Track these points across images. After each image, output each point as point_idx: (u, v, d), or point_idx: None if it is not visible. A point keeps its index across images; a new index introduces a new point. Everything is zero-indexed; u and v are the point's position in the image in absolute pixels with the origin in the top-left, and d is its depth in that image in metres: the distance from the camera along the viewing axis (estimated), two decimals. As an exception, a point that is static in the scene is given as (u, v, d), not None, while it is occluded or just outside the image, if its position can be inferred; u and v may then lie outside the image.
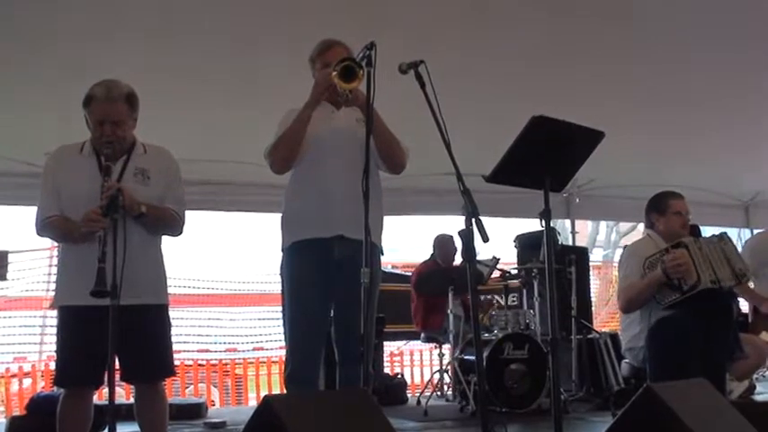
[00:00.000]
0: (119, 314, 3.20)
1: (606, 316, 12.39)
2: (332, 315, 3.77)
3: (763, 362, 5.61)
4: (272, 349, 10.40)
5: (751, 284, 5.57)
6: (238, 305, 12.11)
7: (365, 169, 3.34)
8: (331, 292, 3.68)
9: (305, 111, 3.67)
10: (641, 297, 4.61)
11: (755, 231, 8.66)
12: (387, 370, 8.98)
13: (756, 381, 7.49)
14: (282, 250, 3.83)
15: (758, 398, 5.18)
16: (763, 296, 5.52)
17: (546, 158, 3.52)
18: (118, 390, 3.86)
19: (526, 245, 7.97)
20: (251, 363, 10.60)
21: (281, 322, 3.85)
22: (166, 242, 3.86)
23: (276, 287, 3.94)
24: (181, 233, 3.87)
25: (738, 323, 5.20)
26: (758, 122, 7.88)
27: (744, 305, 6.12)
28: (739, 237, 9.72)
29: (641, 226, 5.20)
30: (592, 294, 9.14)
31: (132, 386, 3.94)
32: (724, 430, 2.71)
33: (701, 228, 7.10)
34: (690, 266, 4.37)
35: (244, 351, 11.20)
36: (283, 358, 3.92)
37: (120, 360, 3.43)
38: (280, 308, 3.86)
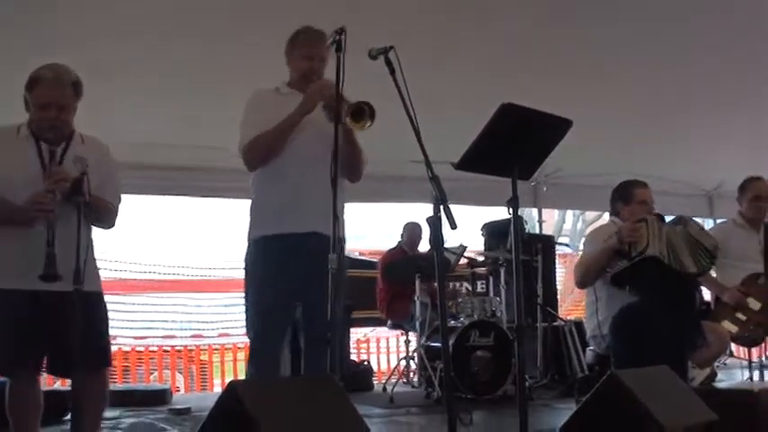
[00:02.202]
0: (56, 300, 3.17)
1: (571, 304, 12.50)
2: (299, 303, 3.80)
3: (724, 350, 5.68)
4: (237, 335, 10.36)
5: (713, 273, 5.63)
6: (204, 291, 12.05)
7: (334, 155, 3.36)
8: (299, 282, 3.71)
9: (294, 118, 3.69)
10: (595, 265, 4.63)
11: (718, 221, 8.76)
12: (353, 357, 8.98)
13: (717, 368, 7.60)
14: (252, 240, 3.84)
15: (719, 385, 5.24)
16: (725, 286, 5.58)
17: (514, 146, 3.53)
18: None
19: (493, 233, 8.01)
20: (216, 349, 10.56)
21: (243, 309, 3.88)
22: (131, 227, 3.82)
23: (242, 273, 3.95)
24: (113, 226, 3.79)
25: (701, 312, 5.27)
26: (722, 114, 7.99)
27: (706, 294, 6.20)
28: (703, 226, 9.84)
29: (607, 215, 5.24)
30: (557, 283, 9.23)
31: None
32: (686, 416, 2.74)
33: (666, 217, 7.18)
34: (643, 234, 4.41)
35: (209, 337, 11.15)
36: (248, 344, 3.94)
37: (57, 348, 3.38)
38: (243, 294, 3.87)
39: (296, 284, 3.72)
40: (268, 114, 3.73)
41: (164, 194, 7.93)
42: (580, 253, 5.82)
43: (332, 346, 3.19)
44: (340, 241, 3.44)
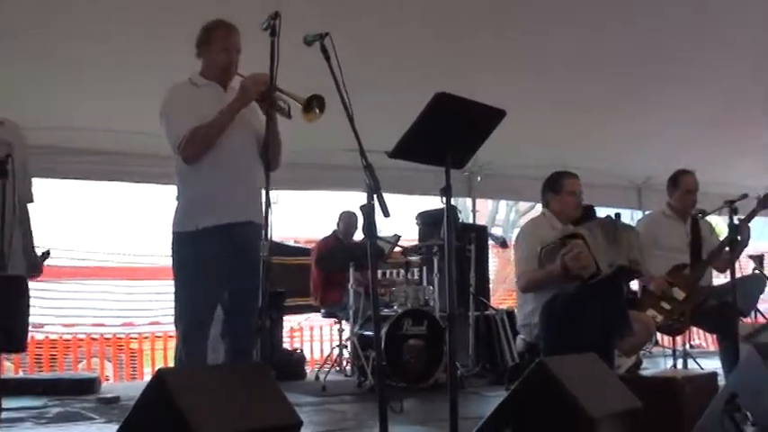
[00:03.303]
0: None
1: (504, 293, 12.64)
2: (229, 291, 3.82)
3: (649, 338, 5.80)
4: (169, 323, 10.21)
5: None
6: (136, 278, 11.87)
7: (265, 143, 3.37)
8: (229, 271, 3.74)
9: (232, 111, 3.73)
10: (542, 286, 4.71)
11: (646, 212, 8.95)
12: (286, 345, 8.93)
13: (643, 356, 7.78)
14: (179, 231, 3.85)
15: (644, 372, 5.37)
16: (652, 275, 5.70)
17: (448, 135, 3.54)
18: (6, 364, 3.74)
19: (428, 222, 8.05)
20: (147, 337, 10.41)
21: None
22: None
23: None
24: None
25: (628, 301, 5.37)
26: (652, 110, 8.16)
27: (634, 283, 6.33)
28: (632, 217, 10.04)
29: (540, 206, 5.30)
30: (490, 272, 9.32)
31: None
32: (611, 402, 2.80)
33: (596, 208, 7.31)
34: (588, 258, 4.46)
35: (140, 325, 10.99)
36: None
37: None
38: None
39: (226, 273, 3.74)
40: (193, 108, 3.76)
41: (95, 180, 7.78)
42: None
43: (262, 333, 3.18)
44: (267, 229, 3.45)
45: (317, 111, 3.66)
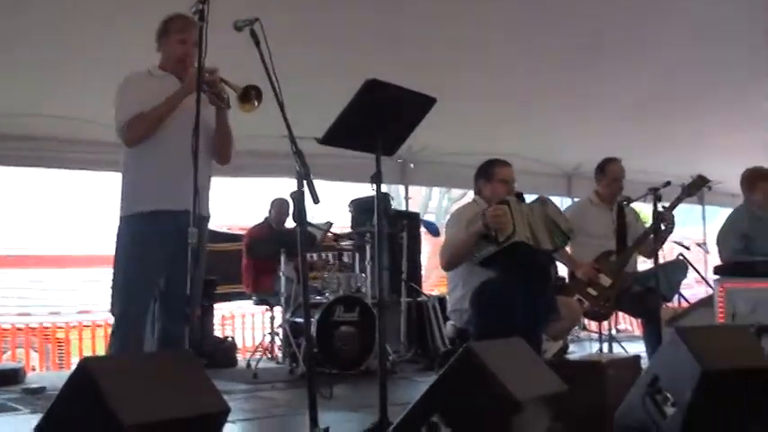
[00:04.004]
0: None
1: (436, 280, 12.74)
2: (165, 279, 3.86)
3: (576, 323, 5.93)
4: (98, 312, 10.05)
5: (569, 250, 5.86)
6: (64, 267, 11.63)
7: (195, 127, 3.35)
8: (167, 259, 3.77)
9: (176, 98, 3.79)
10: (461, 250, 4.70)
11: (575, 199, 9.12)
12: (218, 333, 8.86)
13: (570, 341, 7.94)
14: (123, 217, 3.89)
15: (570, 356, 5.48)
16: (580, 262, 5.81)
17: (378, 122, 3.56)
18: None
19: (360, 209, 8.05)
20: (74, 326, 10.20)
21: (108, 285, 3.86)
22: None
23: (105, 250, 3.91)
24: None
25: (555, 286, 5.47)
26: (582, 99, 8.30)
27: (561, 269, 6.45)
28: (561, 204, 10.21)
29: (471, 193, 5.35)
30: (423, 259, 9.37)
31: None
32: (536, 386, 2.85)
33: (527, 195, 7.41)
34: (508, 219, 4.50)
35: (68, 314, 10.78)
36: (110, 321, 3.90)
37: None
38: (108, 270, 3.85)
39: (165, 259, 3.78)
40: (144, 95, 3.83)
41: (19, 166, 7.60)
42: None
43: (191, 321, 3.17)
44: (204, 218, 3.44)
45: (255, 102, 3.66)
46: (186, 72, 3.85)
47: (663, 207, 5.60)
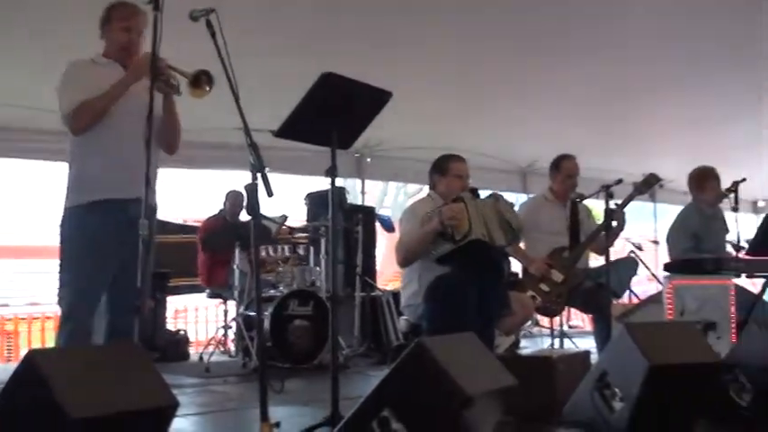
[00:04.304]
0: None
1: (391, 275, 12.74)
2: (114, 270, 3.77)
3: (528, 318, 5.97)
4: (48, 304, 9.89)
5: (522, 245, 5.91)
6: (12, 258, 11.43)
7: (148, 116, 3.31)
8: (116, 249, 3.69)
9: (122, 85, 3.72)
10: (418, 247, 4.70)
11: (530, 195, 9.20)
12: (170, 326, 8.78)
13: (523, 336, 8.02)
14: (70, 207, 3.80)
15: (522, 351, 5.53)
16: (532, 257, 5.86)
17: (334, 116, 3.55)
18: None
19: (316, 203, 8.04)
20: (23, 318, 10.04)
21: (57, 276, 3.77)
22: None
23: (55, 240, 3.84)
24: None
25: (508, 282, 5.51)
26: (538, 96, 8.36)
27: (514, 265, 6.50)
28: (516, 201, 10.30)
29: (427, 188, 5.36)
30: (378, 253, 9.38)
31: None
32: (487, 381, 2.87)
33: (481, 191, 7.45)
34: (464, 217, 4.53)
35: (17, 306, 10.60)
36: (59, 313, 3.83)
37: None
38: (57, 261, 3.78)
39: (113, 251, 3.70)
40: (89, 83, 3.75)
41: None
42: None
43: (141, 314, 3.13)
44: (153, 208, 3.40)
45: (207, 87, 3.63)
46: (130, 60, 3.79)
47: (615, 204, 5.67)
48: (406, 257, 4.81)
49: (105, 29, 3.91)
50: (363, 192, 9.75)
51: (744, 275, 5.70)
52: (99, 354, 2.63)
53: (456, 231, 4.50)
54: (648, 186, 5.90)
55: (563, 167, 6.09)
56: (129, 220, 3.56)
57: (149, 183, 3.27)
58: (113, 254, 3.70)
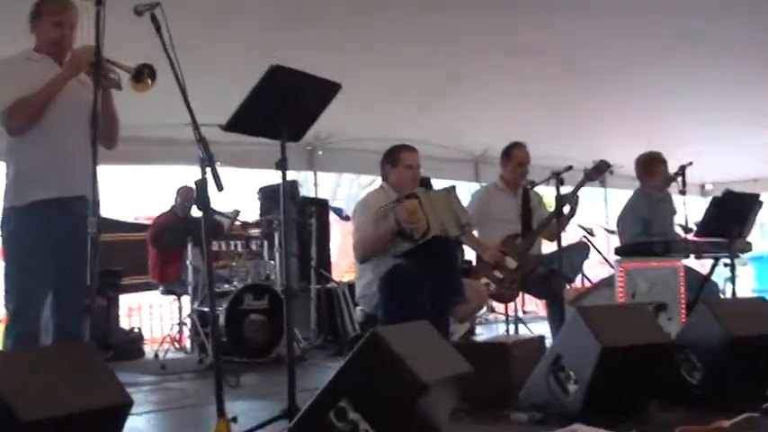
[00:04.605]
0: None
1: (346, 266, 12.73)
2: (58, 270, 3.70)
3: (482, 306, 6.02)
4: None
5: (476, 233, 5.94)
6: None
7: (93, 116, 3.26)
8: (62, 248, 3.63)
9: (59, 82, 3.65)
10: (376, 247, 4.75)
11: (482, 184, 9.25)
12: (124, 324, 8.67)
13: (479, 323, 8.08)
14: (10, 207, 3.73)
15: (478, 338, 5.58)
16: (486, 245, 5.90)
17: (283, 108, 3.54)
18: None
19: (268, 196, 8.00)
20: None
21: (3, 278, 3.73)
22: None
23: None
24: None
25: (462, 269, 5.55)
26: (489, 85, 8.41)
27: (468, 253, 6.55)
28: (469, 190, 10.35)
29: (380, 179, 5.37)
30: (333, 245, 9.37)
31: None
32: (442, 368, 2.89)
33: (434, 180, 7.49)
34: (420, 216, 4.56)
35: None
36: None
37: None
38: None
39: (55, 251, 3.64)
40: (23, 80, 3.66)
41: None
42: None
43: (91, 313, 3.09)
44: (96, 205, 3.36)
45: (149, 81, 3.58)
46: (63, 55, 3.73)
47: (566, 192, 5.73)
48: (364, 256, 4.86)
49: (35, 23, 3.81)
50: (316, 184, 9.73)
51: (693, 257, 5.81)
52: (49, 354, 2.59)
53: (414, 231, 4.56)
54: (599, 173, 5.98)
55: (513, 155, 6.14)
56: (72, 219, 3.51)
57: (96, 180, 3.21)
58: (56, 254, 3.63)
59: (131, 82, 3.58)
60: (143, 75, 3.58)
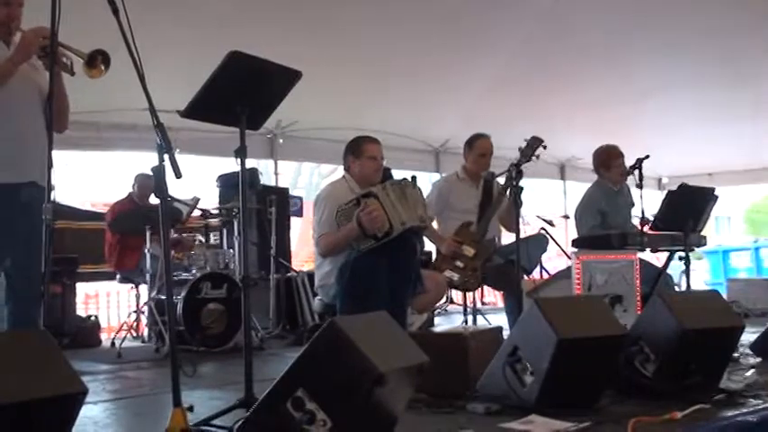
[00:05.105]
0: None
1: (306, 256, 12.71)
2: (11, 256, 3.66)
3: (441, 296, 6.03)
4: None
5: (435, 224, 5.95)
6: None
7: (49, 101, 3.21)
8: (12, 235, 3.60)
9: (10, 66, 3.57)
10: (339, 248, 4.79)
11: (443, 175, 9.27)
12: (80, 312, 8.57)
13: (439, 314, 8.11)
14: None
15: (436, 329, 5.59)
16: (444, 237, 5.91)
17: (242, 95, 3.49)
18: None
19: (228, 184, 7.95)
20: None
21: None
22: None
23: None
24: None
25: (421, 261, 5.55)
26: (448, 78, 8.44)
27: (429, 244, 6.56)
28: (430, 180, 10.38)
29: (342, 169, 5.35)
30: (293, 234, 9.35)
31: None
32: (400, 358, 2.89)
33: (395, 171, 7.49)
34: (382, 216, 4.57)
35: None
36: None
37: None
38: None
39: (10, 236, 3.58)
40: None
41: None
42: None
43: (45, 300, 3.05)
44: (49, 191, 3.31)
45: (102, 67, 3.52)
46: (10, 36, 3.66)
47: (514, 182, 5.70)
48: (326, 251, 4.85)
49: None
50: (277, 173, 9.69)
51: (648, 250, 5.88)
52: (1, 342, 2.54)
53: (377, 231, 4.58)
54: (532, 149, 5.85)
55: (476, 146, 6.14)
56: (23, 205, 3.45)
57: (51, 166, 3.16)
58: (7, 239, 3.58)
59: (84, 68, 3.54)
60: (96, 60, 3.54)
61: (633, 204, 6.41)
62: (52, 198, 3.27)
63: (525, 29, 8.01)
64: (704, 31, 8.13)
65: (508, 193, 5.47)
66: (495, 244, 5.96)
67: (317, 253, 5.00)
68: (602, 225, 6.17)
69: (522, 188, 5.59)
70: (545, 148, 5.89)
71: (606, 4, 7.66)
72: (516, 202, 5.32)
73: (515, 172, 5.27)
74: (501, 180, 6.23)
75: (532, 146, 5.82)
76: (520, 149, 5.76)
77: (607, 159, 6.37)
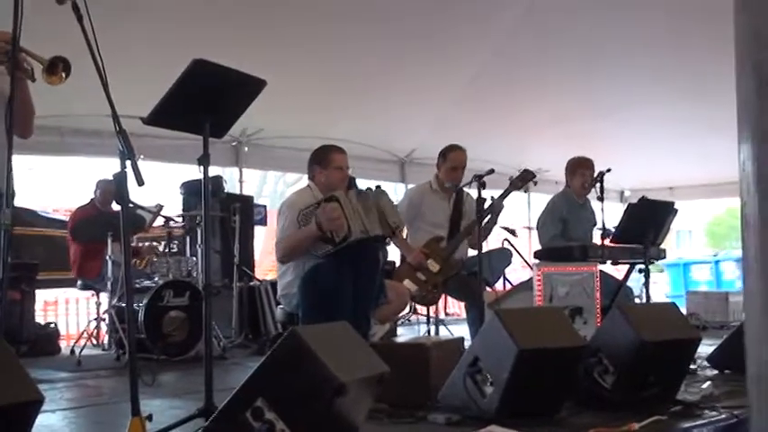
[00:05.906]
0: None
1: (270, 264, 12.66)
2: None
3: (404, 307, 6.00)
4: None
5: (405, 233, 5.95)
6: None
7: (9, 104, 3.17)
8: None
9: None
10: (297, 249, 4.73)
11: (409, 186, 9.29)
12: (40, 319, 8.46)
13: (401, 324, 8.11)
14: None
15: (399, 339, 5.59)
16: (412, 247, 5.92)
17: (206, 103, 3.48)
18: None
19: (191, 192, 7.88)
20: None
21: None
22: None
23: None
24: None
25: (384, 271, 5.56)
26: (416, 88, 8.48)
27: (393, 254, 6.56)
28: (395, 191, 10.40)
29: (306, 178, 5.34)
30: (257, 243, 9.32)
31: None
32: (360, 369, 2.89)
33: (360, 180, 7.48)
34: (342, 219, 4.55)
35: None
36: None
37: None
38: None
39: None
40: None
41: None
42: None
43: (2, 306, 3.01)
44: (10, 196, 3.27)
45: (63, 74, 3.48)
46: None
47: (492, 198, 5.77)
48: (284, 256, 4.82)
49: None
50: (241, 180, 9.65)
51: (609, 262, 5.94)
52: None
53: (335, 234, 4.54)
54: (524, 182, 6.00)
55: (449, 158, 6.07)
56: None
57: (11, 170, 3.12)
58: None
59: (44, 74, 3.48)
60: (57, 68, 3.49)
61: (595, 224, 6.45)
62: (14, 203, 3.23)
63: (494, 43, 8.07)
64: (666, 49, 8.26)
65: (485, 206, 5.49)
66: (461, 265, 5.96)
67: (277, 259, 4.98)
68: (563, 234, 6.21)
69: (502, 206, 5.66)
70: (535, 183, 6.01)
71: (573, 20, 7.76)
72: (483, 218, 5.36)
73: (478, 184, 5.30)
74: (468, 190, 6.26)
75: (524, 179, 5.90)
76: (510, 179, 5.85)
77: (575, 166, 6.41)
